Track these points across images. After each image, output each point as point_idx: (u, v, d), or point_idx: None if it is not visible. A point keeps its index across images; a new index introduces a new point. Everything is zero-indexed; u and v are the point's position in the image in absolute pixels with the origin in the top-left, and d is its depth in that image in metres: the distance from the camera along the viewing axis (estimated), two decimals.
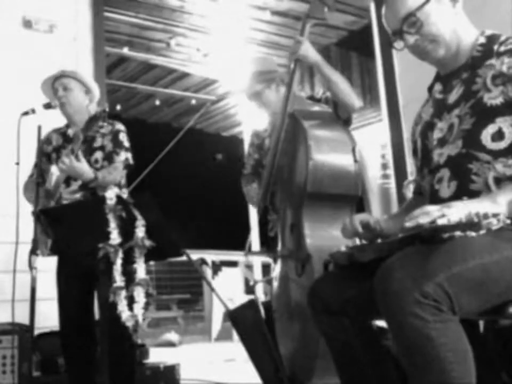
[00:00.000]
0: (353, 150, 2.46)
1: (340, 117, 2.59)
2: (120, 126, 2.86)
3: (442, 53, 1.60)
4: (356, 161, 2.44)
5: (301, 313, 2.38)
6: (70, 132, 2.88)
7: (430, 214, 1.29)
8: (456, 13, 1.60)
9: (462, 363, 1.26)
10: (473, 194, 1.47)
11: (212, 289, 2.61)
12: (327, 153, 2.42)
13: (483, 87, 1.52)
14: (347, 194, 2.43)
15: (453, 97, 1.60)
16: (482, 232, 1.25)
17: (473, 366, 1.28)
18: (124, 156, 2.77)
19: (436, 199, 1.56)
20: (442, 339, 1.24)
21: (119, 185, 2.77)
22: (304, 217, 2.40)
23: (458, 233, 1.25)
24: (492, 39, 1.59)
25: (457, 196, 1.49)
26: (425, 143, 1.64)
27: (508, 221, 1.28)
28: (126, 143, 2.82)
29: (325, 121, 2.54)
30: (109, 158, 2.77)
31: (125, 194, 2.79)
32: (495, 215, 1.25)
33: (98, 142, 2.80)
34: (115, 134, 2.81)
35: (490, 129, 1.48)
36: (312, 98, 2.78)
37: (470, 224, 1.23)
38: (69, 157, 2.58)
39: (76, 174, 2.63)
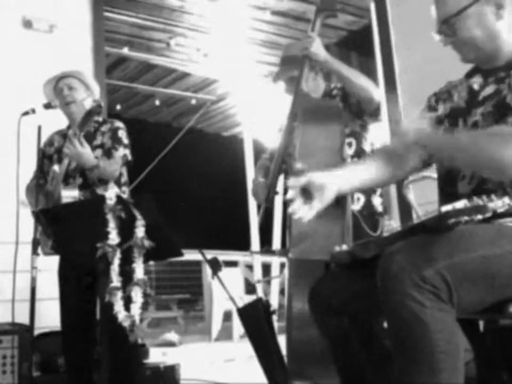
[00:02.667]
0: (341, 147, 2.43)
1: (365, 110, 2.55)
2: (119, 124, 2.87)
3: (472, 57, 1.64)
4: (342, 159, 2.42)
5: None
6: (71, 132, 2.89)
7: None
8: (500, 17, 1.59)
9: (452, 355, 1.26)
10: (488, 193, 1.46)
11: (224, 289, 2.65)
12: (311, 152, 2.41)
13: (507, 87, 1.54)
14: None
15: (484, 94, 1.61)
16: (488, 215, 1.24)
17: (463, 365, 1.28)
18: (123, 151, 2.77)
19: (454, 193, 1.56)
20: (436, 326, 1.24)
21: (119, 183, 2.78)
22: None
23: (465, 218, 1.25)
24: None
25: (474, 193, 1.49)
26: (452, 129, 1.64)
27: None
28: (125, 140, 2.82)
29: (321, 118, 2.50)
30: (108, 154, 2.77)
31: (125, 192, 2.80)
32: (499, 198, 1.24)
33: (98, 140, 2.80)
34: (114, 131, 2.82)
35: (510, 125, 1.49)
36: (335, 89, 2.73)
37: (475, 208, 1.23)
38: (73, 142, 2.60)
39: (80, 158, 2.63)
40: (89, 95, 2.88)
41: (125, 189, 2.84)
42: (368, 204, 2.62)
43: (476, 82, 1.67)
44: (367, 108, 2.54)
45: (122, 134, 2.82)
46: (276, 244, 7.32)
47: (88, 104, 2.83)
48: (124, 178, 2.86)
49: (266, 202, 2.66)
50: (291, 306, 2.21)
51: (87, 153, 2.63)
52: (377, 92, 2.50)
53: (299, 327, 2.00)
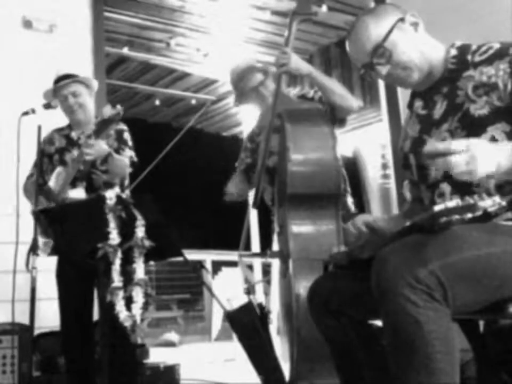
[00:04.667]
0: (334, 148, 2.45)
1: (336, 117, 2.59)
2: (123, 126, 2.89)
3: (416, 78, 1.61)
4: (336, 159, 2.44)
5: (288, 313, 2.39)
6: (74, 134, 2.88)
7: (450, 146, 1.26)
8: (420, 36, 1.62)
9: (448, 355, 1.25)
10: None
11: (211, 293, 2.63)
12: (305, 154, 2.42)
13: (467, 99, 1.53)
14: (327, 194, 2.43)
15: (438, 112, 1.61)
16: (478, 213, 1.25)
17: (458, 364, 1.28)
18: (129, 153, 2.79)
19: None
20: (432, 326, 1.24)
21: (123, 186, 2.79)
22: (287, 218, 2.40)
23: (456, 216, 1.25)
24: (463, 49, 1.60)
25: None
26: (418, 158, 1.65)
27: (503, 203, 1.27)
28: (130, 142, 2.85)
29: (309, 120, 2.52)
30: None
31: (127, 194, 2.81)
32: (489, 196, 1.25)
33: None
34: (119, 133, 2.84)
35: (484, 139, 1.48)
36: (303, 97, 2.77)
37: (466, 207, 1.23)
38: (87, 143, 2.60)
39: (100, 151, 2.63)
40: (91, 95, 2.88)
41: (127, 192, 2.85)
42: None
43: (419, 107, 1.68)
44: (339, 116, 2.59)
45: (128, 136, 2.85)
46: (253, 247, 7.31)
47: (107, 111, 2.82)
48: (127, 180, 2.89)
49: (254, 205, 2.69)
50: (299, 306, 2.21)
51: (100, 143, 2.63)
52: (356, 102, 2.57)
53: (310, 327, 2.00)
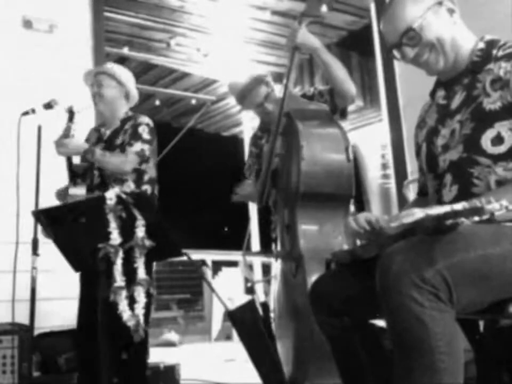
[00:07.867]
0: (347, 149, 2.44)
1: (337, 106, 2.58)
2: (142, 119, 2.80)
3: (442, 64, 1.60)
4: (349, 160, 2.43)
5: (297, 313, 2.38)
6: (103, 130, 2.88)
7: (414, 215, 1.30)
8: (454, 23, 1.61)
9: (452, 356, 1.26)
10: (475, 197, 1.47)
11: (213, 290, 2.62)
12: (319, 153, 2.41)
13: (483, 92, 1.53)
14: (340, 194, 2.42)
15: (455, 103, 1.61)
16: (485, 217, 1.24)
17: (462, 364, 1.28)
18: (140, 146, 2.69)
19: (440, 203, 1.57)
20: (436, 327, 1.24)
21: (140, 181, 2.73)
22: (297, 217, 2.40)
23: (462, 219, 1.25)
24: (491, 44, 1.60)
25: (458, 199, 1.49)
26: (430, 147, 1.65)
27: (511, 207, 1.27)
28: (146, 135, 2.73)
29: (319, 120, 2.52)
30: (122, 150, 2.72)
31: (148, 190, 2.74)
32: (497, 200, 1.24)
33: (119, 139, 2.77)
34: (135, 127, 2.76)
35: (489, 134, 1.49)
36: (304, 96, 2.77)
37: (473, 210, 1.23)
38: (60, 141, 2.62)
39: (73, 149, 2.63)
40: (122, 92, 2.87)
41: (147, 187, 2.75)
42: None
43: (440, 96, 1.67)
44: (340, 104, 2.59)
45: (143, 130, 2.74)
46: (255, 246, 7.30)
47: (122, 114, 2.83)
48: (148, 175, 2.77)
49: (260, 203, 2.69)
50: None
51: (75, 142, 2.64)
52: (354, 88, 2.57)
53: None
